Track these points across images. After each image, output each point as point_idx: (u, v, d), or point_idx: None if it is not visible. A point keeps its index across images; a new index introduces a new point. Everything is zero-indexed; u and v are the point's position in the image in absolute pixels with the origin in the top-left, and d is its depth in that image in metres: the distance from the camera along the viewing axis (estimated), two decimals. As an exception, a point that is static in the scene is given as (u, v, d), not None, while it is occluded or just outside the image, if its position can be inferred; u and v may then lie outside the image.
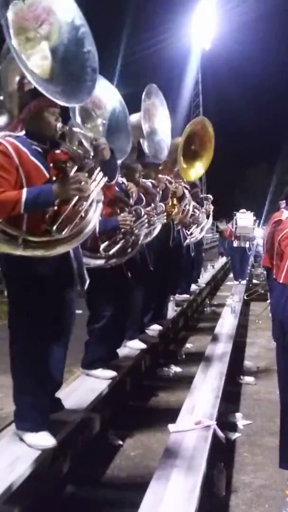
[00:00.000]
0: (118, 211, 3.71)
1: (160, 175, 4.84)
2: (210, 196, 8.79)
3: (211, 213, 8.41)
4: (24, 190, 2.40)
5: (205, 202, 8.20)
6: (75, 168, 2.60)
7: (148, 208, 4.12)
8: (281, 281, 3.03)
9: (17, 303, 2.62)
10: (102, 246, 3.52)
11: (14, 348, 2.63)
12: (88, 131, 3.11)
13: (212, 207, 8.60)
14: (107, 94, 3.37)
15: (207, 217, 7.95)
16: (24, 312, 2.58)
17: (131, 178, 4.05)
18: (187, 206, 6.31)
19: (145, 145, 4.32)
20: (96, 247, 3.51)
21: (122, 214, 3.64)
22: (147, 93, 4.22)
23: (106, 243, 3.54)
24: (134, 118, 4.11)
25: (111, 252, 3.53)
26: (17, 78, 2.55)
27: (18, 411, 2.64)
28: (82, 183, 2.48)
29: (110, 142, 2.94)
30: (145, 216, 3.86)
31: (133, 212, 3.74)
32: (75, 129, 2.79)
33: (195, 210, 6.91)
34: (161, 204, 4.63)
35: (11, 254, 2.41)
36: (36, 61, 2.47)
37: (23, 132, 2.59)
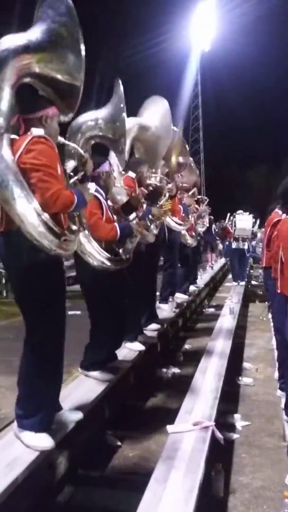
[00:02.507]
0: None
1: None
2: (205, 198, 9.32)
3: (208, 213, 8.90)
4: (73, 190, 2.57)
5: (201, 204, 8.64)
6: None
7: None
8: (278, 291, 3.02)
9: (37, 299, 2.55)
10: (121, 250, 3.59)
11: (34, 345, 2.57)
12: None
13: (209, 209, 9.10)
14: None
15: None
16: (48, 309, 2.56)
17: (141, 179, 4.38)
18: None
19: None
20: (112, 250, 3.52)
21: (137, 222, 3.81)
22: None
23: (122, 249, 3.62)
24: (130, 122, 4.15)
25: (124, 257, 3.59)
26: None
27: (26, 409, 2.58)
28: None
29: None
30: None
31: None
32: (67, 142, 2.90)
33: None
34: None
35: (48, 250, 2.45)
36: None
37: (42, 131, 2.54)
